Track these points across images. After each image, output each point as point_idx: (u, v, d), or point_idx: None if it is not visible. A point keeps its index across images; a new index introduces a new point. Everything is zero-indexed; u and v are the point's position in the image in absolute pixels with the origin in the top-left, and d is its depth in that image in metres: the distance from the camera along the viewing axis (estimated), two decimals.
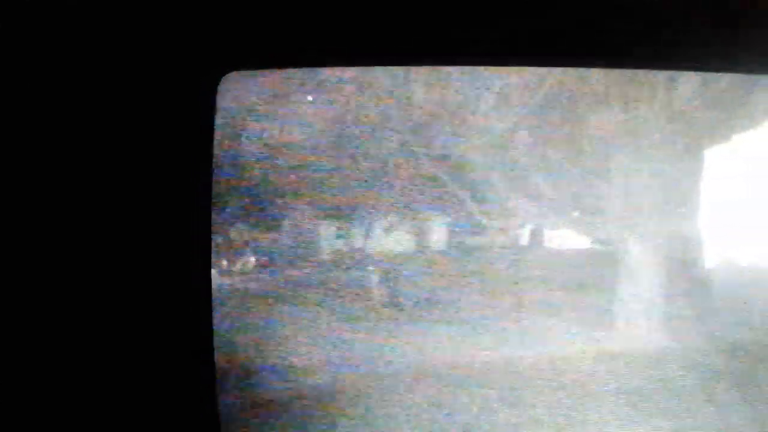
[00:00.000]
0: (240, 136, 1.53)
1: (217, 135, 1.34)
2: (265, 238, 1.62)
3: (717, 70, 1.58)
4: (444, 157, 1.68)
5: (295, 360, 1.60)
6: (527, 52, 1.41)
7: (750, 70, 1.53)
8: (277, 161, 1.56)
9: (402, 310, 1.69)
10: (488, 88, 1.65)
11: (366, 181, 1.62)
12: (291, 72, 1.52)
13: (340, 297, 1.65)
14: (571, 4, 1.39)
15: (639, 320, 1.78)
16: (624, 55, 1.45)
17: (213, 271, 1.38)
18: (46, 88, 1.33)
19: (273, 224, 1.61)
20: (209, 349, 1.34)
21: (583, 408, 1.68)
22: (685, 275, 1.79)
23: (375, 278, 1.70)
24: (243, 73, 1.44)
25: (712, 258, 1.81)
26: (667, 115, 1.72)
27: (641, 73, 1.70)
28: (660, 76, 1.71)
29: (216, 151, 1.34)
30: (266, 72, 1.49)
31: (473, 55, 1.40)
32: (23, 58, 1.33)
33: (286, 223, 1.62)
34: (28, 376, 1.35)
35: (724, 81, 1.71)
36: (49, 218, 1.33)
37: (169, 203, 1.32)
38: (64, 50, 1.33)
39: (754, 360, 1.70)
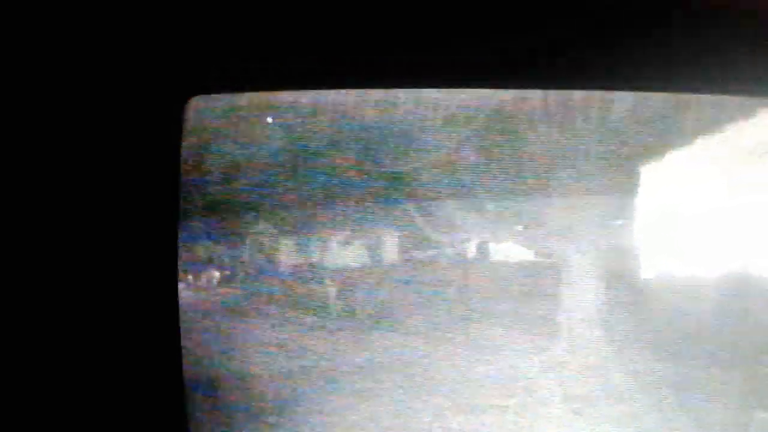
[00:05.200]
0: (205, 156, 1.62)
1: (184, 156, 1.46)
2: (228, 254, 1.70)
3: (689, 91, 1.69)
4: (394, 175, 1.76)
5: (258, 369, 1.69)
6: (508, 74, 1.54)
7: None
8: (239, 181, 1.66)
9: (358, 320, 1.76)
10: (435, 110, 1.74)
11: (322, 198, 1.70)
12: (252, 95, 1.63)
13: (299, 309, 1.73)
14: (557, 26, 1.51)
15: (582, 329, 1.85)
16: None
17: (179, 286, 1.47)
18: (13, 109, 1.45)
19: (236, 241, 1.70)
20: (177, 360, 1.45)
21: (531, 414, 1.79)
22: (625, 286, 1.87)
23: (332, 291, 1.77)
24: (207, 96, 1.55)
25: (650, 269, 1.90)
26: (602, 133, 1.81)
27: (577, 94, 1.79)
28: (596, 95, 1.80)
29: (182, 171, 1.46)
30: (229, 96, 1.60)
31: (434, 77, 1.53)
32: None
33: (248, 239, 1.71)
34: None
35: (656, 100, 1.81)
36: (21, 234, 1.43)
37: (138, 221, 1.43)
38: (33, 73, 1.43)
39: (694, 367, 1.82)
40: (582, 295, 1.87)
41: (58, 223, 1.42)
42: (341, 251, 1.80)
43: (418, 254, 1.81)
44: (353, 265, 1.80)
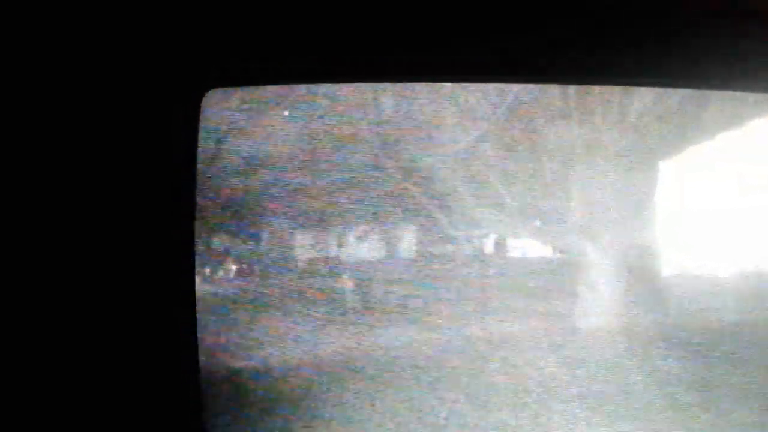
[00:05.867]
0: (222, 149, 1.62)
1: (201, 149, 1.47)
2: (245, 248, 1.70)
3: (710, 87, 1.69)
4: (412, 170, 1.76)
5: (274, 363, 1.69)
6: (521, 69, 1.55)
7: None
8: (256, 174, 1.65)
9: (374, 315, 1.76)
10: (452, 103, 1.74)
11: (339, 192, 1.71)
12: (269, 89, 1.63)
13: (316, 302, 1.73)
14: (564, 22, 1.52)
15: (600, 326, 1.85)
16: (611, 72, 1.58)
17: (197, 279, 1.48)
18: (35, 102, 1.46)
19: (253, 234, 1.70)
20: (194, 354, 1.45)
21: (547, 411, 1.78)
22: (644, 282, 1.87)
23: (349, 285, 1.77)
24: (225, 89, 1.56)
25: (669, 266, 1.90)
26: (622, 128, 1.81)
27: (597, 88, 1.78)
28: (615, 91, 1.80)
29: (199, 164, 1.46)
30: (246, 88, 1.60)
31: (447, 72, 1.54)
32: (9, 69, 1.46)
33: (265, 232, 1.71)
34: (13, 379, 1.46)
35: (676, 95, 1.81)
36: (37, 228, 1.44)
37: (155, 215, 1.44)
38: (52, 67, 1.45)
39: (712, 366, 1.81)
40: (600, 291, 1.87)
41: (74, 216, 1.43)
42: (358, 245, 1.80)
43: (435, 249, 1.81)
44: (369, 259, 1.80)
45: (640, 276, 1.88)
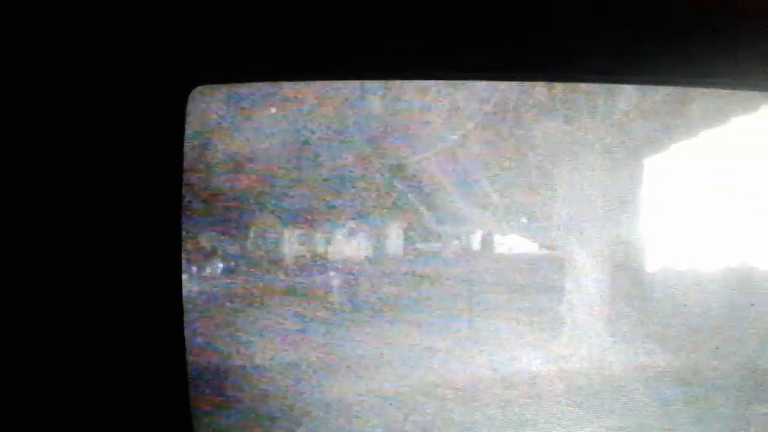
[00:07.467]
0: (208, 147, 1.62)
1: (187, 147, 1.45)
2: (232, 245, 1.71)
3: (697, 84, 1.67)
4: (399, 167, 1.77)
5: (260, 362, 1.69)
6: (507, 66, 1.52)
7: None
8: (243, 171, 1.65)
9: (361, 313, 1.76)
10: (439, 101, 1.74)
11: (326, 190, 1.70)
12: (256, 86, 1.63)
13: (303, 300, 1.73)
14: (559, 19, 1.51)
15: (585, 322, 1.87)
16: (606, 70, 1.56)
17: (183, 277, 1.46)
18: (18, 100, 1.44)
19: (240, 231, 1.70)
20: (181, 352, 1.44)
21: (534, 407, 1.79)
22: (629, 278, 1.89)
23: (336, 282, 1.78)
24: (210, 87, 1.56)
25: (654, 262, 1.91)
26: (607, 125, 1.82)
27: (583, 85, 1.80)
28: (600, 89, 1.82)
29: (186, 162, 1.45)
30: (233, 86, 1.60)
31: (434, 69, 1.52)
32: None
33: (252, 230, 1.71)
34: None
35: (661, 93, 1.82)
36: (22, 225, 1.43)
37: (142, 212, 1.42)
38: (34, 65, 1.43)
39: (695, 360, 1.84)
40: (585, 287, 1.88)
41: (59, 215, 1.41)
42: (345, 243, 1.79)
43: (422, 246, 1.82)
44: (356, 257, 1.81)
45: (625, 272, 1.90)
